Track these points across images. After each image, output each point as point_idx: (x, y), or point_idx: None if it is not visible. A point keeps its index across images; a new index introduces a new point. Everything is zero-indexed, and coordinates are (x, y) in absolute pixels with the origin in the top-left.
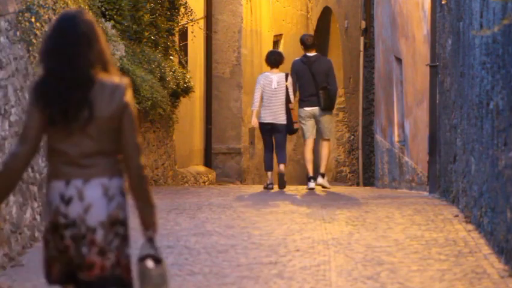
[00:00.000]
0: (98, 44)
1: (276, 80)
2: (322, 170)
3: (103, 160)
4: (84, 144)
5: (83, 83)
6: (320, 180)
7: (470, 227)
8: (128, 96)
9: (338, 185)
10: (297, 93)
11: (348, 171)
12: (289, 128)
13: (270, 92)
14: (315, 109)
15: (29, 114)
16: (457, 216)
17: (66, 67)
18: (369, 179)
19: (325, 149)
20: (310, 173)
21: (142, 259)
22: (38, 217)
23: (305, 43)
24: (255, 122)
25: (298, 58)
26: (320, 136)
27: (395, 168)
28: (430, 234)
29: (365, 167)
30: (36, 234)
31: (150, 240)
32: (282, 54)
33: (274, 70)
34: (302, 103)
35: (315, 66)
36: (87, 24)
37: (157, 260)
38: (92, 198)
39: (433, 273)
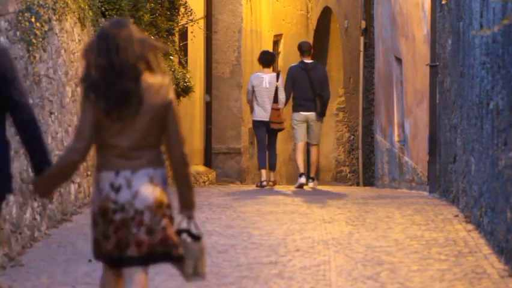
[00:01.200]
0: (144, 46)
1: (268, 80)
2: (312, 174)
3: (148, 153)
4: (132, 139)
5: (130, 75)
6: (310, 184)
7: (470, 227)
8: (172, 93)
9: (338, 185)
10: (291, 98)
11: (348, 171)
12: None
13: (262, 91)
14: (311, 114)
15: (83, 112)
16: (457, 216)
17: (115, 66)
18: (369, 179)
19: (314, 154)
20: (301, 170)
21: (179, 233)
22: (38, 217)
23: (303, 49)
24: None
25: (295, 64)
26: (309, 140)
27: (395, 168)
28: (430, 234)
29: (365, 167)
30: (36, 234)
31: (190, 218)
32: (274, 55)
33: (266, 70)
34: (298, 107)
35: (313, 72)
36: (133, 29)
37: (196, 236)
38: (140, 186)
39: (433, 273)
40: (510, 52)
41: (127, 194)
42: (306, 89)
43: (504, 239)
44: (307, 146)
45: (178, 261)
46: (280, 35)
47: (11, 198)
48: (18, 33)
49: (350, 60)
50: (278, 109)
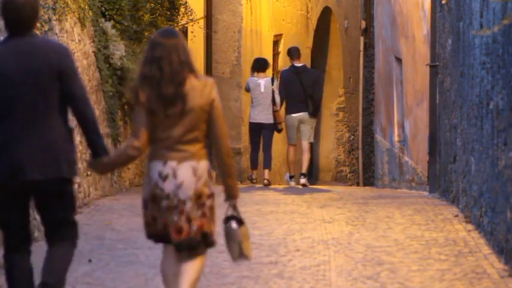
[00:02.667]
0: (186, 52)
1: (263, 84)
2: (304, 170)
3: (193, 146)
4: (179, 133)
5: (175, 83)
6: (302, 180)
7: (470, 227)
8: (215, 92)
9: (338, 184)
10: (284, 101)
11: (348, 171)
12: (275, 127)
13: (258, 95)
14: (303, 114)
15: (136, 113)
16: (457, 216)
17: (161, 71)
18: (369, 179)
19: (307, 152)
20: (292, 172)
21: (226, 221)
22: (38, 217)
23: (292, 54)
24: None
25: (286, 68)
26: (303, 138)
27: (395, 168)
28: (430, 234)
29: (365, 167)
30: (36, 234)
31: (234, 206)
32: (267, 61)
33: (261, 74)
34: (290, 110)
35: (304, 75)
36: (179, 38)
37: (240, 222)
38: (184, 177)
39: (433, 273)
40: (510, 52)
41: (172, 184)
42: (298, 91)
43: (504, 239)
44: (301, 143)
45: (211, 246)
46: (280, 35)
47: None
48: None
49: (350, 60)
50: (277, 111)
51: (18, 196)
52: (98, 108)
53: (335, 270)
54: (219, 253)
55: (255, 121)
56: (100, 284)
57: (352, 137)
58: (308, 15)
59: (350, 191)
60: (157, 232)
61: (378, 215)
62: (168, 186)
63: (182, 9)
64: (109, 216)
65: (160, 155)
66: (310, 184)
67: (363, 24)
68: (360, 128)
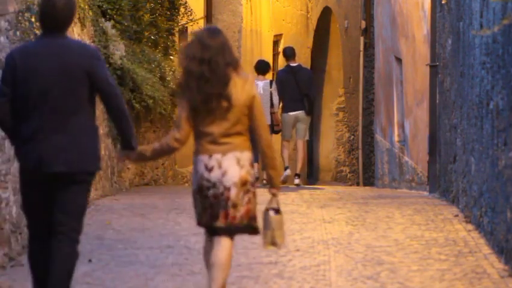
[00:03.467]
0: (231, 51)
1: (262, 86)
2: (298, 170)
3: (236, 139)
4: (223, 127)
5: (221, 83)
6: (296, 180)
7: (470, 227)
8: (255, 88)
9: (338, 184)
10: (281, 100)
11: (348, 171)
12: (272, 128)
13: None
14: (299, 113)
15: (179, 108)
16: (457, 216)
17: (209, 71)
18: (369, 178)
19: (301, 151)
20: (286, 163)
21: (266, 210)
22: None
23: (287, 54)
24: None
25: (282, 68)
26: (298, 137)
27: (395, 168)
28: (430, 234)
29: (365, 167)
30: None
31: (274, 196)
32: (269, 64)
33: (260, 77)
34: (287, 108)
35: (299, 75)
36: (223, 36)
37: (277, 211)
38: (228, 167)
39: (433, 273)
40: (510, 52)
41: (218, 173)
42: (294, 90)
43: (504, 239)
44: (295, 141)
45: (255, 232)
46: (280, 35)
47: (11, 198)
48: (18, 33)
49: (350, 60)
50: (274, 113)
51: (44, 186)
52: (98, 108)
53: (335, 270)
54: None
55: None
56: (100, 284)
57: (352, 137)
58: (308, 15)
59: (350, 191)
60: (206, 222)
61: (378, 215)
62: (214, 176)
63: (182, 9)
64: (109, 216)
65: (206, 150)
66: (311, 184)
67: (363, 24)
68: (360, 128)
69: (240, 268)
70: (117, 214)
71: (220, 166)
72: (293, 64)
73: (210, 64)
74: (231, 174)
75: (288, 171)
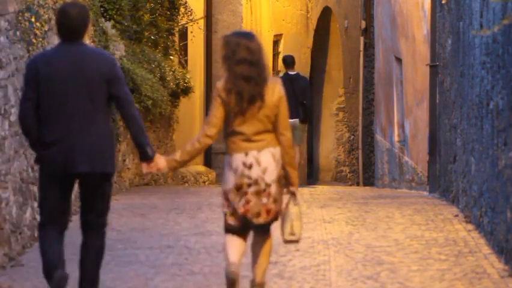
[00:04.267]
0: (264, 56)
1: None
2: None
3: (268, 136)
4: (256, 126)
5: (260, 83)
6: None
7: (470, 226)
8: (282, 90)
9: (338, 184)
10: None
11: (348, 171)
12: None
13: None
14: (295, 121)
15: (213, 106)
16: (457, 216)
17: (251, 72)
18: (369, 178)
19: (297, 154)
20: None
21: (286, 205)
22: (38, 217)
23: (287, 62)
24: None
25: (281, 75)
26: (294, 143)
27: (395, 168)
28: (430, 234)
29: (365, 166)
30: (36, 234)
31: (293, 194)
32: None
33: None
34: None
35: (296, 83)
36: (259, 43)
37: (296, 203)
38: (267, 163)
39: (433, 273)
40: (510, 52)
41: (258, 170)
42: (290, 98)
43: (504, 239)
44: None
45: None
46: (280, 35)
47: (11, 198)
48: (18, 33)
49: (350, 60)
50: None
51: (66, 184)
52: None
53: (335, 270)
54: (218, 253)
55: None
56: (100, 284)
57: (352, 137)
58: (308, 15)
59: (350, 191)
60: (237, 221)
61: (378, 215)
62: (254, 173)
63: (182, 9)
64: (109, 216)
65: (241, 148)
66: (311, 184)
67: (363, 24)
68: (360, 128)
69: (240, 268)
70: (117, 214)
71: (258, 163)
72: (291, 72)
73: (258, 66)
74: (270, 171)
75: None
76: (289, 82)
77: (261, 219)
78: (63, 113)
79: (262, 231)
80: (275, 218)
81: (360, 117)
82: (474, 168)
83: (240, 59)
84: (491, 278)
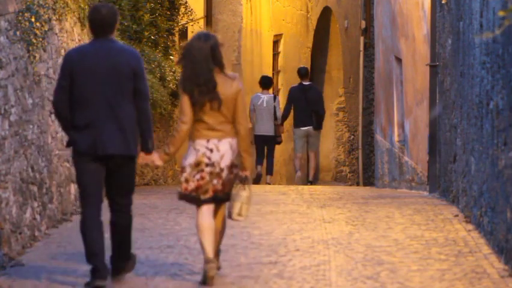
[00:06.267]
0: (219, 53)
1: (266, 100)
2: (310, 178)
3: (227, 126)
4: (216, 117)
5: (210, 79)
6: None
7: (470, 226)
8: (240, 84)
9: (338, 184)
10: (292, 114)
11: (348, 171)
12: (275, 139)
13: (261, 110)
14: (309, 128)
15: (182, 100)
16: (456, 216)
17: (199, 69)
18: (369, 178)
19: (313, 160)
20: (298, 168)
21: (237, 185)
22: (38, 217)
23: (301, 73)
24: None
25: (295, 85)
26: (309, 148)
27: (395, 168)
28: (430, 234)
29: (365, 166)
30: (36, 233)
31: (245, 178)
32: (272, 80)
33: (265, 91)
34: (298, 124)
35: (310, 93)
36: (215, 40)
37: (246, 187)
38: (224, 151)
39: (433, 273)
40: (510, 52)
41: (217, 155)
42: (304, 107)
43: (504, 239)
44: (307, 152)
45: (228, 200)
46: (280, 35)
47: (11, 198)
48: (18, 33)
49: (350, 60)
50: (277, 125)
51: (97, 165)
52: None
53: (335, 270)
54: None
55: (259, 133)
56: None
57: (352, 137)
58: (308, 15)
59: (350, 191)
60: (189, 192)
61: (378, 215)
62: (214, 157)
63: (182, 9)
64: (109, 216)
65: (203, 135)
66: (311, 184)
67: (363, 24)
68: (360, 128)
69: (239, 268)
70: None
71: (218, 150)
72: (305, 83)
73: (199, 64)
74: (226, 158)
75: (298, 173)
76: (303, 92)
77: (208, 195)
78: (94, 101)
79: (206, 206)
80: (218, 197)
81: (360, 117)
82: (474, 168)
83: (191, 60)
84: (491, 278)
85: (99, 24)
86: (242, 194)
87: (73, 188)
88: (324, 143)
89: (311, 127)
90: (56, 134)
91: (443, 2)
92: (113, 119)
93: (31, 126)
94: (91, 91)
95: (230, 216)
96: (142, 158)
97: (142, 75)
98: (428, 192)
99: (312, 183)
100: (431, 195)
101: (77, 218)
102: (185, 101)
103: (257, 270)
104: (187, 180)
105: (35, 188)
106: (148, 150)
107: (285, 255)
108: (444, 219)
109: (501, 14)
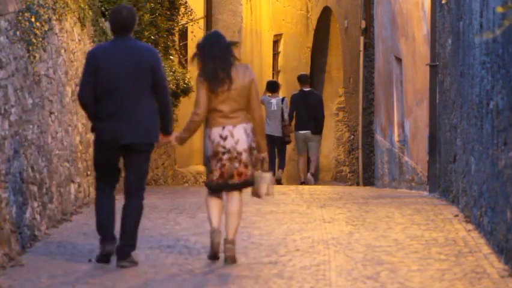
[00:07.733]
0: (232, 48)
1: (275, 103)
2: (312, 171)
3: (242, 113)
4: (231, 105)
5: (229, 72)
6: (308, 175)
7: (470, 226)
8: (253, 74)
9: (338, 184)
10: (294, 119)
11: (348, 171)
12: (284, 139)
13: (270, 112)
14: (307, 132)
15: (199, 88)
16: (456, 216)
17: (220, 64)
18: (369, 178)
19: (314, 160)
20: (302, 178)
21: (259, 171)
22: (38, 217)
23: (302, 80)
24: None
25: (296, 92)
26: (311, 153)
27: (395, 168)
28: (430, 234)
29: (365, 166)
30: (36, 233)
31: (262, 159)
32: (278, 84)
33: (274, 95)
34: (298, 127)
35: (310, 99)
36: (226, 38)
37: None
38: (239, 136)
39: (433, 273)
40: (510, 52)
41: (231, 141)
42: (304, 112)
43: (504, 239)
44: (308, 155)
45: (252, 185)
46: (280, 34)
47: (11, 198)
48: (18, 33)
49: (350, 60)
50: (285, 126)
51: (116, 152)
52: None
53: (335, 270)
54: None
55: (267, 133)
56: (100, 284)
57: (352, 137)
58: (308, 15)
59: (350, 191)
60: (216, 181)
61: (378, 215)
62: (228, 144)
63: (182, 9)
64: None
65: (219, 123)
66: (312, 175)
67: (363, 24)
68: (360, 128)
69: (239, 268)
70: (117, 214)
71: (232, 136)
72: (306, 89)
73: (218, 58)
74: (241, 142)
75: (310, 176)
76: (303, 97)
77: (235, 180)
78: (116, 94)
79: (234, 192)
80: (247, 182)
81: (360, 117)
82: (474, 168)
83: (211, 55)
84: (491, 278)
85: (120, 24)
86: (265, 175)
87: (73, 188)
88: (324, 143)
89: (309, 131)
90: (56, 134)
91: (443, 2)
92: (133, 110)
93: (31, 126)
94: (113, 86)
95: (259, 196)
96: (162, 138)
97: (160, 69)
98: (428, 192)
99: (312, 174)
100: (431, 195)
101: (77, 218)
102: (202, 94)
103: (257, 270)
104: (212, 171)
105: (35, 188)
106: (167, 132)
107: (285, 255)
108: (444, 219)
109: (499, 10)
